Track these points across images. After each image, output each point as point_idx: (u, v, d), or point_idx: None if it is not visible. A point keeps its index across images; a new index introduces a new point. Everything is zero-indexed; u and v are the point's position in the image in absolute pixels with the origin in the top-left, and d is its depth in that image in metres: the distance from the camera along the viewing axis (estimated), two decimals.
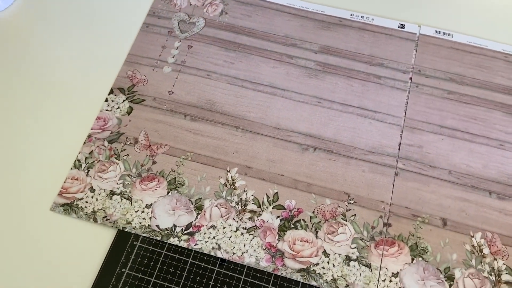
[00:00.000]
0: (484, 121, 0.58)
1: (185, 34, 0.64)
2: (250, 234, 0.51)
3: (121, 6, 0.66)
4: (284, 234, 0.51)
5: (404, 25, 0.65)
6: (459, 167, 0.55)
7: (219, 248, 0.50)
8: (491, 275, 0.49)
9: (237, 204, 0.53)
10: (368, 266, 0.50)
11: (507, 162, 0.55)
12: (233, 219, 0.52)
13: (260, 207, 0.53)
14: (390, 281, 0.49)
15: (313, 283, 0.49)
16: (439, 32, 0.64)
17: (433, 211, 0.52)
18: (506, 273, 0.49)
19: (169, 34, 0.64)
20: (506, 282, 0.48)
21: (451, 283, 0.48)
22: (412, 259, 0.50)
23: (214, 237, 0.51)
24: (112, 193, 0.53)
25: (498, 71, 0.61)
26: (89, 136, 0.56)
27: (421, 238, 0.51)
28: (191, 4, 0.66)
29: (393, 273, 0.49)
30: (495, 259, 0.50)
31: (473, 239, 0.51)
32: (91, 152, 0.55)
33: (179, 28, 0.64)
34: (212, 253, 0.50)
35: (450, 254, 0.50)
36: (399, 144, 0.56)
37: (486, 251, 0.50)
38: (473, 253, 0.50)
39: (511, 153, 0.56)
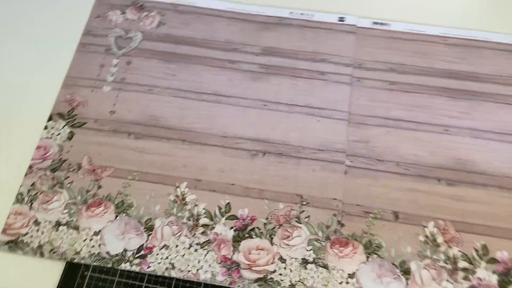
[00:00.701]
0: (428, 108, 0.54)
1: (122, 50, 0.58)
2: (204, 249, 0.47)
3: (55, 28, 0.60)
4: (239, 244, 0.48)
5: (344, 18, 0.61)
6: (406, 158, 0.51)
7: (173, 267, 0.46)
8: (447, 263, 0.46)
9: (189, 220, 0.49)
10: (325, 267, 0.46)
11: (454, 147, 0.52)
12: (186, 235, 0.48)
13: (212, 220, 0.49)
14: (347, 282, 0.45)
15: None
16: (376, 23, 0.60)
17: (384, 206, 0.49)
18: (463, 260, 0.46)
19: (107, 52, 0.59)
20: (464, 269, 0.46)
21: (408, 277, 0.45)
22: (367, 257, 0.46)
23: (167, 257, 0.47)
24: (58, 224, 0.48)
25: (438, 55, 0.58)
26: (30, 167, 0.51)
27: (374, 234, 0.47)
28: (127, 19, 0.61)
29: (349, 274, 0.46)
30: (449, 246, 0.47)
31: (425, 229, 0.48)
32: (33, 184, 0.50)
33: (116, 45, 0.59)
34: (166, 274, 0.46)
35: (404, 247, 0.47)
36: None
37: (440, 239, 0.47)
38: (427, 243, 0.47)
39: (457, 137, 0.52)
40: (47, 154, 0.52)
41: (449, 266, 0.46)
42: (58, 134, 0.53)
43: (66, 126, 0.53)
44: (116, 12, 0.62)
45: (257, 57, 0.59)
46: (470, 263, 0.46)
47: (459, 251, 0.46)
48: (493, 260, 0.46)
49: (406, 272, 0.45)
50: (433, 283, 0.45)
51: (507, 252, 0.46)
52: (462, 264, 0.46)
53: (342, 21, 0.61)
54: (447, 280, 0.45)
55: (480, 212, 0.48)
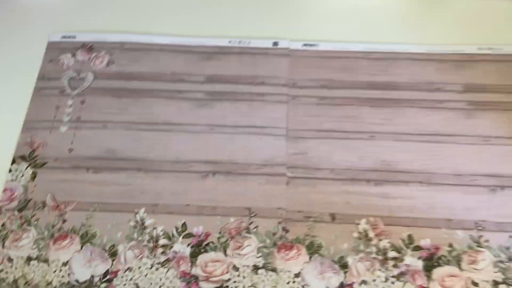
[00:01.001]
0: (355, 117, 0.60)
1: (76, 90, 0.63)
2: (165, 268, 0.52)
3: (10, 76, 0.64)
4: (196, 259, 0.52)
5: (278, 42, 0.67)
6: (339, 164, 0.57)
7: (138, 287, 0.51)
8: (378, 255, 0.52)
9: (149, 242, 0.53)
10: (274, 270, 0.51)
11: (379, 151, 0.58)
12: (147, 257, 0.52)
13: (170, 239, 0.53)
14: (294, 281, 0.50)
15: None
16: (306, 45, 0.66)
17: (322, 209, 0.54)
18: (392, 250, 0.52)
19: (61, 93, 0.63)
20: (393, 258, 0.51)
21: (346, 270, 0.51)
22: (310, 257, 0.52)
23: (131, 279, 0.51)
24: (29, 259, 0.52)
25: (361, 69, 0.64)
26: None
27: (315, 236, 0.53)
28: (78, 61, 0.65)
29: (295, 274, 0.51)
30: (380, 240, 0.52)
31: (359, 226, 0.53)
32: (3, 224, 0.54)
33: (70, 86, 0.63)
34: None
35: (341, 244, 0.52)
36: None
37: (371, 234, 0.53)
38: (360, 239, 0.53)
39: (381, 141, 0.58)
40: (14, 196, 0.55)
41: (380, 257, 0.52)
42: (22, 176, 0.57)
43: (29, 167, 0.57)
44: (67, 55, 0.66)
45: (201, 86, 0.64)
46: (398, 252, 0.52)
47: (388, 242, 0.52)
48: (418, 248, 0.52)
49: (344, 266, 0.51)
50: (367, 273, 0.51)
51: (429, 240, 0.52)
52: (391, 254, 0.52)
53: (276, 45, 0.67)
54: (379, 270, 0.51)
55: (405, 206, 0.54)
